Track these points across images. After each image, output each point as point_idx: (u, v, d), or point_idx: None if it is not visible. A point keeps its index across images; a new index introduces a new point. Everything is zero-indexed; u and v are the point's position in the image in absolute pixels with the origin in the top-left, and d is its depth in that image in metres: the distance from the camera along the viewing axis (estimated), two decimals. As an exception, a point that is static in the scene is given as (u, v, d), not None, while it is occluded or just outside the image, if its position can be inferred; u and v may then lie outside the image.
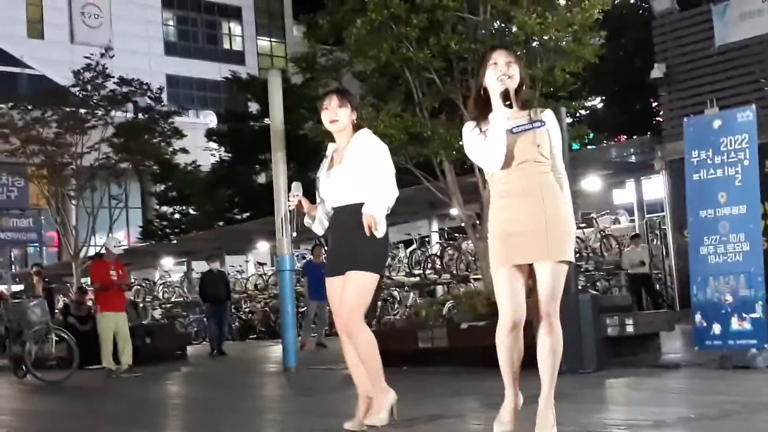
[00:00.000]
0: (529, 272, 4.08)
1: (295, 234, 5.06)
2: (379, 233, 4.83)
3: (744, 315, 7.09)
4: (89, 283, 13.44)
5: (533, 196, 4.01)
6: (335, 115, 5.04)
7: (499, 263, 4.07)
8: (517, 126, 4.02)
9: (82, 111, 22.47)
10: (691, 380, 6.91)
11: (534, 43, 11.29)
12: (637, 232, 18.37)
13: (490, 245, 4.15)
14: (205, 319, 24.74)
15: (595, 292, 11.56)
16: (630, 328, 8.46)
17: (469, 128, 4.18)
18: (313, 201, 5.13)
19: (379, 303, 19.15)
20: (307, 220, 5.08)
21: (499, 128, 3.97)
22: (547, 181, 4.05)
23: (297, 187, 5.05)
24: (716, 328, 7.24)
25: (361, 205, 4.89)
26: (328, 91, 5.40)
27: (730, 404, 5.17)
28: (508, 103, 4.03)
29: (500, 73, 4.01)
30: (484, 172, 4.27)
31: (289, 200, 5.05)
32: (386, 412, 4.82)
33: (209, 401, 8.30)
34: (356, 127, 5.11)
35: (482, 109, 4.13)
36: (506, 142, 3.96)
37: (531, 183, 4.03)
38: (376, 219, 4.80)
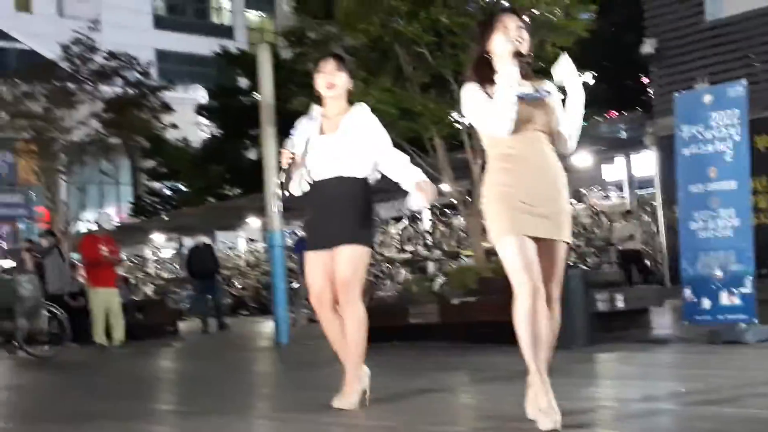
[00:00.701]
0: None
1: (288, 193, 4.86)
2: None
3: (733, 290, 7.13)
4: (80, 259, 13.41)
5: (541, 168, 3.85)
6: (333, 78, 4.88)
7: (507, 230, 3.77)
8: (525, 93, 3.84)
9: (71, 85, 22.35)
10: (680, 355, 6.96)
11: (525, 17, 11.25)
12: (629, 208, 18.43)
13: (491, 210, 3.85)
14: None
15: (585, 268, 11.60)
16: (620, 304, 8.49)
17: (471, 89, 3.92)
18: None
19: (371, 279, 19.17)
20: (296, 178, 4.83)
21: (511, 90, 3.75)
22: (554, 155, 3.91)
23: (293, 143, 4.84)
24: (706, 303, 7.28)
25: (352, 178, 4.83)
26: (324, 54, 5.20)
27: (719, 378, 5.21)
28: (525, 62, 3.88)
29: (512, 36, 3.84)
30: (478, 139, 4.08)
31: (285, 157, 4.80)
32: (357, 396, 4.75)
33: (201, 375, 8.33)
34: (349, 99, 5.01)
35: (484, 74, 3.91)
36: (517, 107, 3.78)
37: (538, 153, 3.86)
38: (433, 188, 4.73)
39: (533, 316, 3.70)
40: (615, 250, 17.84)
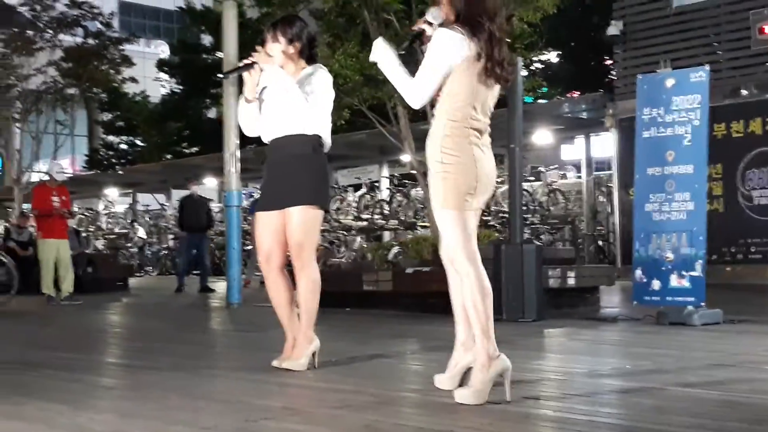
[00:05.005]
0: None
1: (227, 75, 4.89)
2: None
3: (684, 273, 7.23)
4: (31, 208, 13.20)
5: None
6: (269, 50, 4.85)
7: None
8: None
9: (30, 32, 21.91)
10: (627, 333, 7.05)
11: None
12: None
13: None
14: (149, 253, 24.59)
15: (539, 244, 11.70)
16: (571, 281, 8.60)
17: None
18: None
19: (326, 245, 19.15)
20: (247, 96, 4.86)
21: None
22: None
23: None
24: (655, 284, 7.38)
25: (300, 135, 4.76)
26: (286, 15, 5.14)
27: (664, 357, 5.30)
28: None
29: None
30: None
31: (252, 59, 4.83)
32: (306, 359, 4.76)
33: (150, 331, 8.28)
34: (310, 59, 4.91)
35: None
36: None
37: None
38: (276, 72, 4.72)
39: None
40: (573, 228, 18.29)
